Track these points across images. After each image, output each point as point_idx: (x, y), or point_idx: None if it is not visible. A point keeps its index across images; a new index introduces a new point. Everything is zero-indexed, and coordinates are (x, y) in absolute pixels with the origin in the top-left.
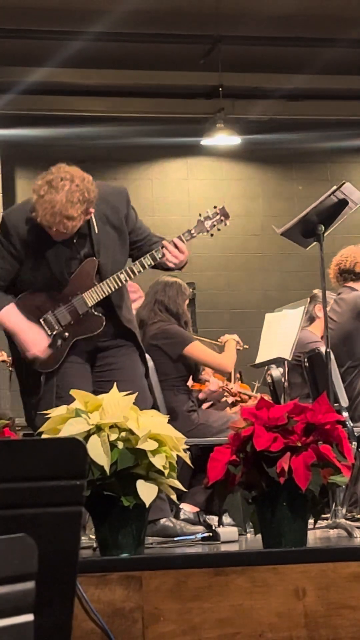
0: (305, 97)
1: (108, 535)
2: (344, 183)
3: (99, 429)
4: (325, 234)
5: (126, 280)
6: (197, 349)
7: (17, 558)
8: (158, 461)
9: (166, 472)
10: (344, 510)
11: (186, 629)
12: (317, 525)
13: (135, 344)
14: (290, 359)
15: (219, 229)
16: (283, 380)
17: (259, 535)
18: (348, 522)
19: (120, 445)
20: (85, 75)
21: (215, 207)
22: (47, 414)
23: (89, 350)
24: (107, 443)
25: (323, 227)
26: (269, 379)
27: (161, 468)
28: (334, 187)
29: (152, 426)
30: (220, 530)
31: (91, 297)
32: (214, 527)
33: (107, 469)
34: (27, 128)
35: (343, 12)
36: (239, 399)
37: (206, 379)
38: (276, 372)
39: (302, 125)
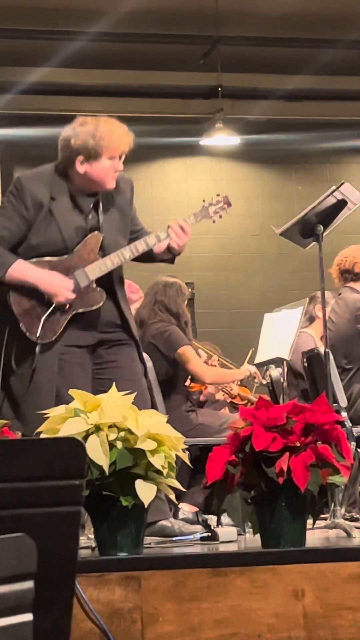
0: (305, 97)
1: (107, 535)
2: (343, 183)
3: (97, 428)
4: (324, 234)
5: (129, 257)
6: (185, 354)
7: (15, 558)
8: (157, 461)
9: (165, 471)
10: (342, 511)
11: (185, 629)
12: (315, 526)
13: (134, 341)
14: (289, 359)
15: (220, 217)
16: (282, 380)
17: (258, 536)
18: (347, 522)
19: (119, 445)
20: (84, 75)
21: (218, 195)
22: (46, 413)
23: (90, 345)
24: (105, 443)
25: (322, 228)
26: (267, 379)
27: (160, 468)
28: (333, 187)
29: (151, 426)
30: (219, 530)
31: (93, 271)
32: (212, 527)
33: (105, 468)
34: (26, 128)
35: (342, 13)
36: (239, 401)
37: None
38: (275, 372)
39: (301, 125)
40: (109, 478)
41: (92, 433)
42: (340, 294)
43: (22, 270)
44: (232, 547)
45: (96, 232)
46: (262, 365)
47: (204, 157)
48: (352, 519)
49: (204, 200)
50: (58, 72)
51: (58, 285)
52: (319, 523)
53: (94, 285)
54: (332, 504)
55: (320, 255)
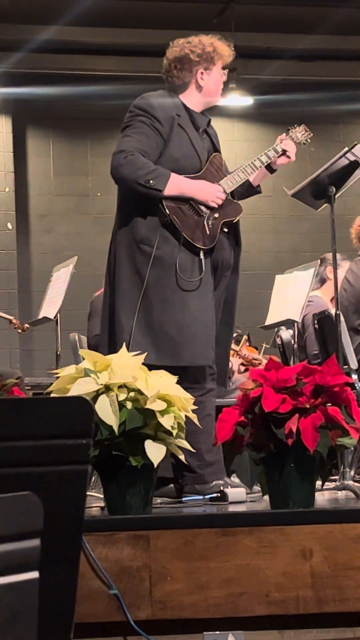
0: (319, 57)
1: (116, 495)
2: (355, 144)
3: (107, 388)
4: (336, 196)
5: (251, 172)
6: None
7: (22, 516)
8: (166, 421)
9: (174, 432)
10: (352, 472)
11: (193, 588)
12: (324, 487)
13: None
14: (299, 321)
15: (304, 143)
16: (292, 342)
17: (267, 496)
18: (356, 484)
19: (129, 405)
20: (97, 33)
21: (302, 125)
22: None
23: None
24: (115, 403)
25: (334, 189)
26: (278, 341)
27: (169, 428)
28: (346, 149)
29: (161, 386)
30: (228, 490)
31: (227, 184)
32: (221, 488)
33: (115, 428)
34: (39, 86)
35: None
36: (247, 362)
37: None
38: (286, 334)
39: (315, 86)
40: (119, 438)
41: (102, 393)
42: (359, 256)
43: (177, 181)
44: (240, 508)
45: (218, 153)
46: (273, 327)
47: (216, 117)
48: None
49: (289, 128)
50: (71, 30)
51: (212, 191)
52: (328, 484)
53: (230, 197)
54: (342, 466)
55: (332, 217)
